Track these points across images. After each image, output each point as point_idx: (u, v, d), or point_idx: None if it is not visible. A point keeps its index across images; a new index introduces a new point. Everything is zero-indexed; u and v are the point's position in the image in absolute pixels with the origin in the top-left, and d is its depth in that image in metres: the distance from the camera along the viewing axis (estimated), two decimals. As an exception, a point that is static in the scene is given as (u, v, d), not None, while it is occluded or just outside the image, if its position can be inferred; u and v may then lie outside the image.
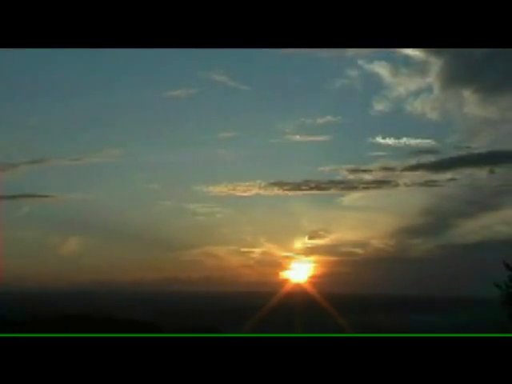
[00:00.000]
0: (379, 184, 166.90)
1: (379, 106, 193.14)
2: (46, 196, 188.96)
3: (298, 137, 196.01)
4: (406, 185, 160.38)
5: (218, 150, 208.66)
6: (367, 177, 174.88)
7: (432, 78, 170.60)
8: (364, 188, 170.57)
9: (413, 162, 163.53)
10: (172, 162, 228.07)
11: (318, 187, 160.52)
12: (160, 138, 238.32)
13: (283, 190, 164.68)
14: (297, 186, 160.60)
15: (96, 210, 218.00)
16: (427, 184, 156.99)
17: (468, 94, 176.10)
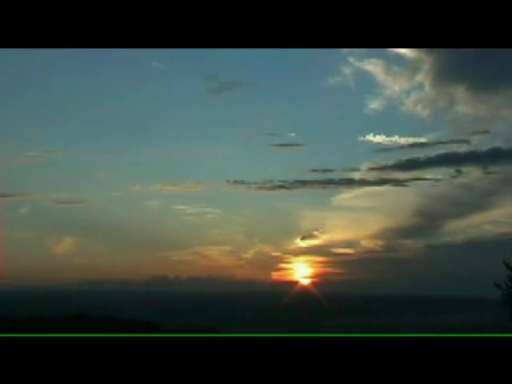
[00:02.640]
0: (370, 183, 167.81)
1: (371, 104, 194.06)
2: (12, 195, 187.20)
3: (283, 135, 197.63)
4: (396, 183, 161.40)
5: (179, 148, 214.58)
6: (356, 176, 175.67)
7: (423, 76, 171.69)
8: (355, 187, 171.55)
9: (403, 160, 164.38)
10: (138, 161, 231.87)
11: (306, 186, 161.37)
12: (118, 135, 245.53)
13: (266, 190, 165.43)
14: (287, 185, 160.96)
15: (71, 209, 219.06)
16: (416, 183, 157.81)
17: (460, 92, 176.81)
